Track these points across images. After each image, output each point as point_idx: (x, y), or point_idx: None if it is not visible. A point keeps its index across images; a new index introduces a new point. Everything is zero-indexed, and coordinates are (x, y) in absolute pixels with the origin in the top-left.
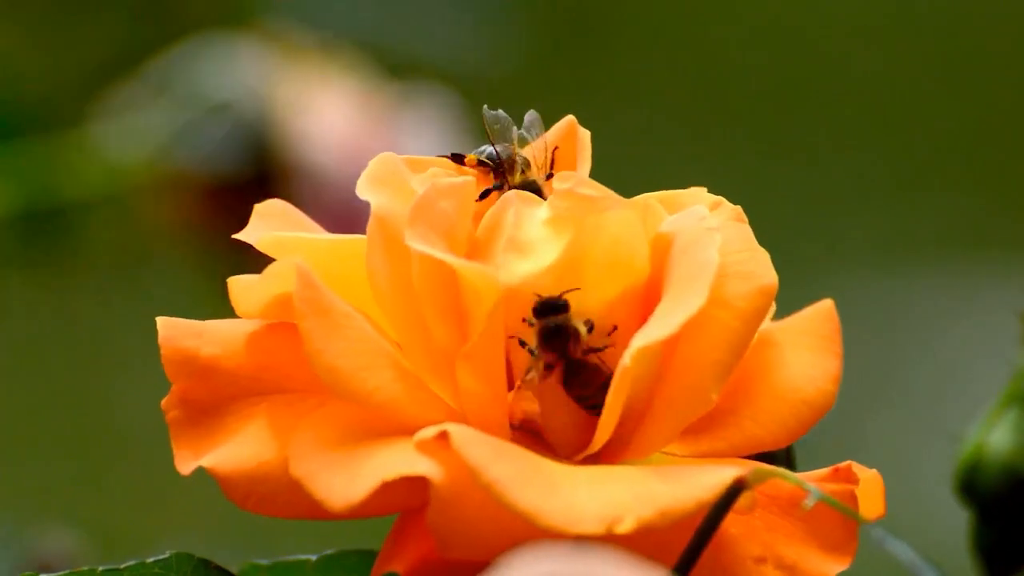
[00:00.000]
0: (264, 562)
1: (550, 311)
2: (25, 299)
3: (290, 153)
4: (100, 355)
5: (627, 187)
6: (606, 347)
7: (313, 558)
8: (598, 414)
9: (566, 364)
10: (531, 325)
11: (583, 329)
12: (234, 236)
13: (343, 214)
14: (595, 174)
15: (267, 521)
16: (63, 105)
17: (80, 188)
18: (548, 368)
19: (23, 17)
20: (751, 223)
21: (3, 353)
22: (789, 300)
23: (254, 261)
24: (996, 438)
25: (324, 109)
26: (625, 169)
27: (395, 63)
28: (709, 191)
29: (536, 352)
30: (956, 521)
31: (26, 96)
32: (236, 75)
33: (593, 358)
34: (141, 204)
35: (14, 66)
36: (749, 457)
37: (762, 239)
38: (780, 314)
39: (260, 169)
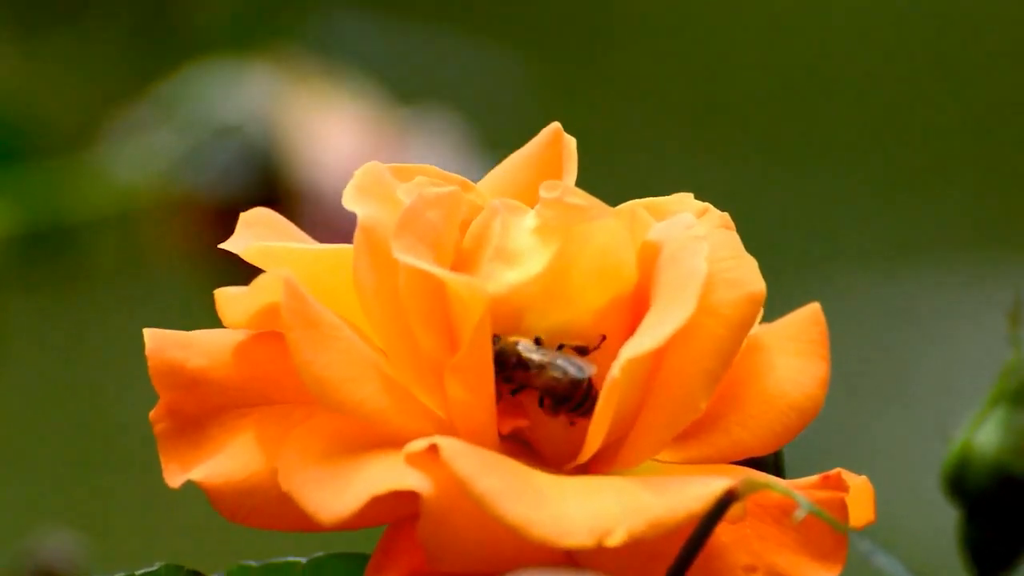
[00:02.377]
0: (253, 564)
1: None
2: (29, 320)
3: (297, 177)
4: (102, 370)
5: (627, 189)
6: (590, 348)
7: (303, 561)
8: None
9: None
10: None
11: (529, 347)
12: (220, 246)
13: (350, 237)
14: (596, 176)
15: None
16: (71, 127)
17: (87, 210)
18: (515, 393)
19: (31, 40)
20: (752, 224)
21: (7, 369)
22: (789, 301)
23: None
24: (983, 437)
25: (331, 133)
26: (626, 171)
27: (402, 87)
28: (709, 192)
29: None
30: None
31: (33, 118)
32: (244, 99)
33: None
34: (148, 227)
35: (22, 88)
36: (738, 462)
37: (762, 240)
38: (782, 315)
39: (267, 192)
